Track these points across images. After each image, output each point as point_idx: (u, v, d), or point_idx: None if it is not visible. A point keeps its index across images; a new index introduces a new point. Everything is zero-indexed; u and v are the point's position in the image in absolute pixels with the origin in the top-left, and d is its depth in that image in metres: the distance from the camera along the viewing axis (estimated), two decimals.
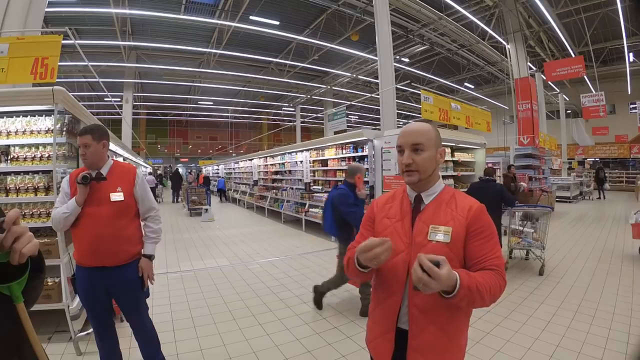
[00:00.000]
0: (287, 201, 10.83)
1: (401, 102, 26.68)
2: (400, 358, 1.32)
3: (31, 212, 3.36)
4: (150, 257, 2.44)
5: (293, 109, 28.81)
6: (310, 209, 9.31)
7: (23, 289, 0.81)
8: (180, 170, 23.00)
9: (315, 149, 9.60)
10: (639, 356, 2.85)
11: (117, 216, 2.27)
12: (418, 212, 1.36)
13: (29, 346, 0.80)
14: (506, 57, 15.32)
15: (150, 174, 17.94)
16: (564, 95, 22.27)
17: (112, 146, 7.38)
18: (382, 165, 6.91)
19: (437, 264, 1.04)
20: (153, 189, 16.27)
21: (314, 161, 9.68)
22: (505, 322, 3.71)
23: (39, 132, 3.45)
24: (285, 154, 11.81)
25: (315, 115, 25.03)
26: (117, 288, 2.31)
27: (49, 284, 3.20)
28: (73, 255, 2.35)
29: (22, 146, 3.46)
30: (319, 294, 4.10)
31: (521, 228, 6.13)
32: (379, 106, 8.63)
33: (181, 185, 18.70)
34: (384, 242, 1.15)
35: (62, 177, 3.39)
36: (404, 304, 1.30)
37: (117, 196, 2.28)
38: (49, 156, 3.39)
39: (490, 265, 1.24)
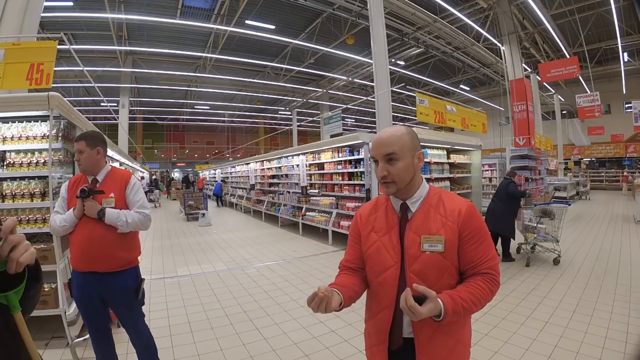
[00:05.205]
0: (284, 205, 10.82)
1: (397, 104, 26.76)
2: None
3: (27, 218, 3.35)
4: (103, 211, 2.21)
5: (290, 113, 28.85)
6: (307, 213, 9.30)
7: (20, 298, 0.80)
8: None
9: (312, 152, 9.60)
10: (638, 356, 2.85)
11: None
12: (406, 222, 1.32)
13: (26, 356, 0.80)
14: (501, 58, 15.41)
15: (142, 178, 17.95)
16: (559, 96, 22.39)
17: (109, 151, 7.36)
18: None
19: (423, 299, 1.11)
20: (146, 193, 16.32)
21: (310, 165, 9.68)
22: (503, 323, 3.71)
23: (34, 137, 3.44)
24: (281, 157, 11.80)
25: (311, 119, 25.06)
26: (109, 295, 2.30)
27: (46, 289, 3.19)
28: (69, 260, 2.34)
29: (17, 152, 3.46)
30: None
31: (534, 224, 6.40)
32: (374, 109, 8.66)
33: (190, 187, 21.69)
34: (315, 296, 1.16)
35: (59, 183, 3.40)
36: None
37: (108, 202, 2.27)
38: (44, 162, 3.39)
39: (485, 269, 1.25)
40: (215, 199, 19.63)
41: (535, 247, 6.55)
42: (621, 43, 15.34)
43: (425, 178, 1.41)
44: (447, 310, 1.12)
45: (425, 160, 5.42)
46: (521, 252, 6.50)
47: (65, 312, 3.12)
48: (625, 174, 22.28)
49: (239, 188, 17.99)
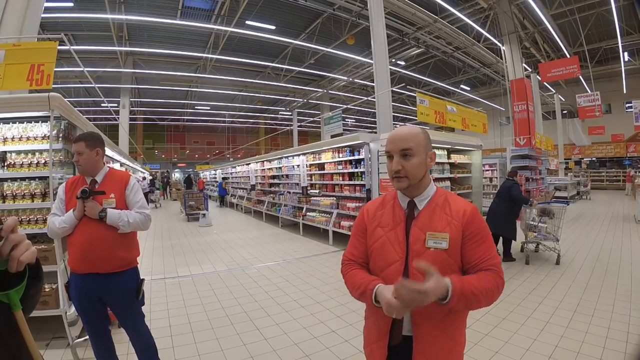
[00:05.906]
0: (285, 205, 10.82)
1: (397, 105, 26.75)
2: None
3: (28, 219, 3.35)
4: (104, 211, 2.21)
5: (290, 113, 28.85)
6: (308, 213, 9.30)
7: (21, 296, 0.80)
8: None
9: (312, 152, 9.60)
10: (639, 356, 2.85)
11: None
12: (412, 219, 1.34)
13: (27, 354, 0.80)
14: (501, 58, 15.40)
15: (143, 179, 17.98)
16: (559, 96, 22.37)
17: (109, 152, 7.37)
18: (378, 169, 6.92)
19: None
20: (147, 194, 16.35)
21: (310, 165, 9.68)
22: (504, 323, 3.71)
23: (35, 138, 3.44)
24: (282, 158, 11.82)
25: (312, 119, 25.07)
26: (109, 296, 2.29)
27: (46, 290, 3.19)
28: (67, 262, 2.33)
29: (18, 152, 3.47)
30: None
31: (535, 223, 6.46)
32: (375, 109, 8.65)
33: (192, 187, 21.88)
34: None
35: (59, 184, 3.40)
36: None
37: (108, 203, 2.27)
38: (45, 162, 3.39)
39: (487, 266, 1.25)
40: (219, 199, 19.69)
41: (538, 246, 6.57)
42: (621, 43, 15.34)
43: None
44: (455, 289, 1.10)
45: None
46: (524, 251, 6.48)
47: (66, 313, 3.12)
48: (632, 173, 21.83)
49: (240, 188, 18.00)
